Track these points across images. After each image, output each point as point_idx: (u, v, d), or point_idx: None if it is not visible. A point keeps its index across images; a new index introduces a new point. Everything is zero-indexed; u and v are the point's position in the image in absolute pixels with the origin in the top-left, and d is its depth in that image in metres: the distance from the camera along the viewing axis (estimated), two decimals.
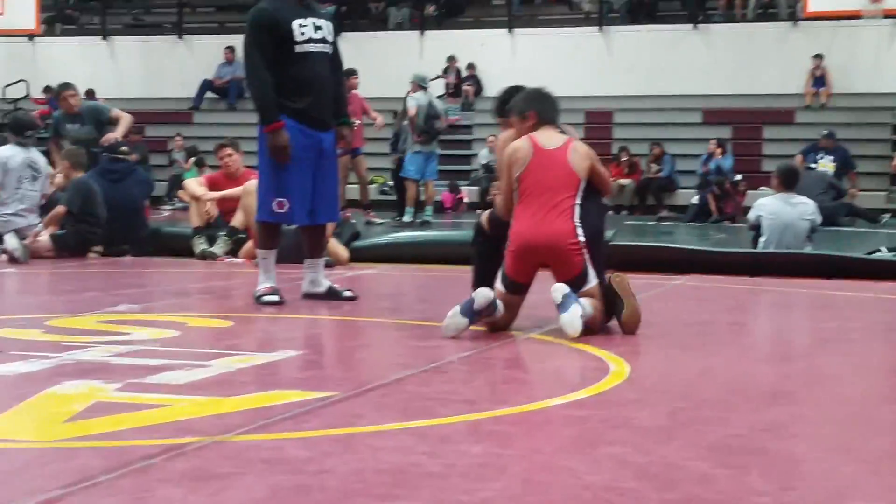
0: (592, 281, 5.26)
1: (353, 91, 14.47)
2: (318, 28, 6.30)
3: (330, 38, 6.38)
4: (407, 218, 14.67)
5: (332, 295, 6.48)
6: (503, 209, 5.45)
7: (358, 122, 14.46)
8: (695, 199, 17.87)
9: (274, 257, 6.42)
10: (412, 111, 14.44)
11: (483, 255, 5.68)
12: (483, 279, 5.48)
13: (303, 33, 6.22)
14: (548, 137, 5.36)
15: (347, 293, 6.50)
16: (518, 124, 5.45)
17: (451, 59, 22.36)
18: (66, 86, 10.50)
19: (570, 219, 5.21)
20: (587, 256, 5.23)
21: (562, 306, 5.01)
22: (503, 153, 5.42)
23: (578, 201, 5.27)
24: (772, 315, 6.84)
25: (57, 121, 10.66)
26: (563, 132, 5.49)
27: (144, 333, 5.02)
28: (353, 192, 15.42)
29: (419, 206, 15.02)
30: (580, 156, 5.34)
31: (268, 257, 6.40)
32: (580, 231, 5.22)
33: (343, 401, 3.57)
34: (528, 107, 5.44)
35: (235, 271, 8.58)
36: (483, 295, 5.04)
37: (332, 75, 6.41)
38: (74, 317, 5.58)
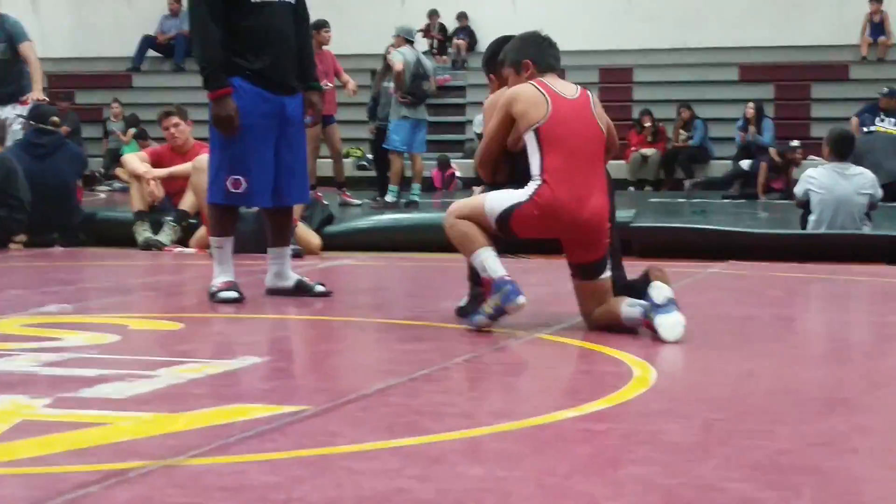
0: (608, 272, 5.27)
1: (324, 48, 14.47)
2: None
3: None
4: (390, 198, 14.64)
5: (301, 290, 6.48)
6: (485, 168, 5.41)
7: (329, 85, 14.43)
8: (745, 165, 17.76)
9: (230, 246, 6.39)
10: (398, 66, 14.38)
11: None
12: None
13: None
14: (563, 85, 5.31)
15: (320, 288, 6.50)
16: (513, 78, 5.39)
17: (433, 13, 22.29)
18: None
19: (606, 191, 5.23)
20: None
21: (663, 308, 5.00)
22: (495, 103, 5.36)
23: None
24: (825, 308, 6.85)
25: None
26: None
27: (78, 338, 5.01)
28: (325, 167, 15.40)
29: (405, 184, 15.00)
30: (601, 109, 5.34)
31: (223, 246, 6.37)
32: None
33: (316, 416, 3.57)
34: (523, 54, 5.39)
35: (185, 263, 8.58)
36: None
37: (297, 29, 6.38)
38: None
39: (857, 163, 10.20)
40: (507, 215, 5.12)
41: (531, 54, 5.37)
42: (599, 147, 5.27)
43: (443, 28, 22.53)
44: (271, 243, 6.55)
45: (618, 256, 5.46)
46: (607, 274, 5.26)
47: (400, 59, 14.44)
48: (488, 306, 5.12)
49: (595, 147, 5.25)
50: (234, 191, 6.22)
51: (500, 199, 5.17)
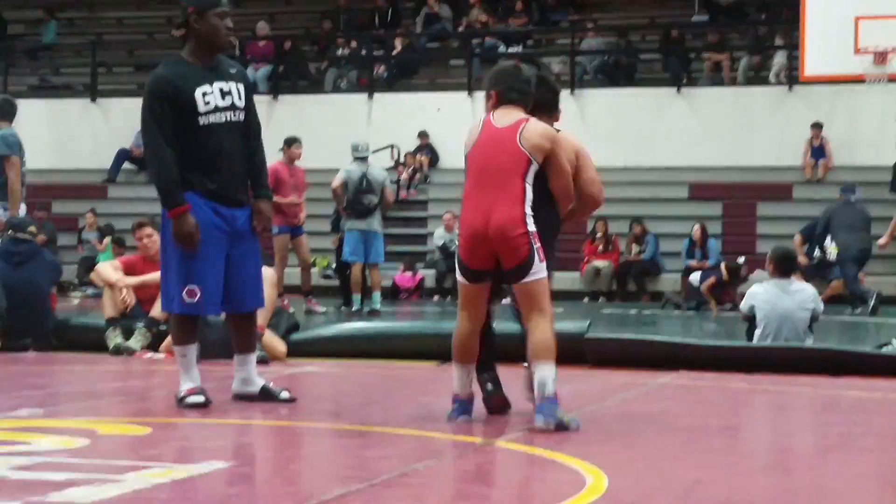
0: (539, 273, 5.52)
1: (296, 163, 14.63)
2: (225, 94, 6.26)
3: (240, 103, 6.33)
4: (356, 306, 14.66)
5: (266, 396, 6.43)
6: None
7: (299, 200, 14.58)
8: (694, 280, 17.84)
9: (194, 353, 6.37)
10: (334, 183, 14.62)
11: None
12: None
13: (207, 102, 6.21)
14: (503, 115, 5.69)
15: (284, 394, 6.46)
16: (487, 106, 5.85)
17: (392, 147, 22.39)
18: None
19: (520, 204, 5.53)
20: (537, 246, 5.51)
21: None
22: None
23: (529, 184, 5.56)
24: (770, 418, 6.85)
25: None
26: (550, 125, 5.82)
27: (48, 442, 4.96)
28: (293, 276, 15.40)
29: (366, 293, 15.00)
30: (534, 135, 5.61)
31: (186, 354, 6.34)
32: (530, 219, 5.52)
33: None
34: (492, 84, 5.81)
35: (155, 369, 8.52)
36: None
37: (245, 145, 6.37)
38: None
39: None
40: (458, 257, 5.68)
41: (499, 86, 5.78)
42: (517, 168, 5.55)
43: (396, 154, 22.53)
44: (236, 350, 6.52)
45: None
46: (533, 278, 5.51)
47: (342, 177, 14.68)
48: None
49: (510, 168, 5.55)
50: (189, 300, 6.20)
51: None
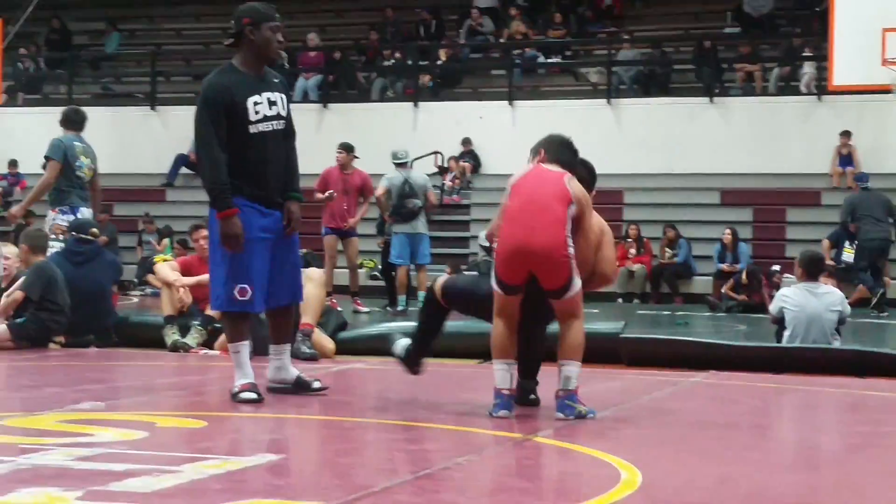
0: (576, 288, 5.70)
1: (354, 167, 14.77)
2: (272, 104, 6.34)
3: (284, 112, 6.43)
4: (401, 307, 14.68)
5: (300, 386, 6.50)
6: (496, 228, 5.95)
7: (361, 200, 14.65)
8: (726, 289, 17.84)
9: (247, 350, 6.39)
10: (379, 191, 14.65)
11: (428, 326, 6.36)
12: (421, 351, 6.31)
13: (257, 112, 6.28)
14: (551, 166, 5.92)
15: (316, 384, 6.53)
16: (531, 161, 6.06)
17: (436, 154, 22.34)
18: None
19: (563, 228, 5.68)
20: (574, 267, 5.67)
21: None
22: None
23: (570, 216, 5.72)
24: (798, 417, 6.82)
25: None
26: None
27: (108, 434, 4.99)
28: (341, 277, 15.44)
29: (411, 294, 15.02)
30: (578, 187, 5.84)
31: (240, 350, 6.37)
32: (570, 241, 5.68)
33: None
34: (540, 146, 6.10)
35: (210, 365, 8.56)
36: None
37: (285, 150, 6.47)
38: (32, 415, 5.55)
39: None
40: (494, 272, 5.76)
41: (545, 146, 6.06)
42: (562, 201, 5.73)
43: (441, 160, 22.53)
44: (272, 341, 6.59)
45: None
46: (571, 294, 5.69)
47: (384, 184, 14.71)
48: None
49: (556, 199, 5.72)
50: (241, 298, 6.25)
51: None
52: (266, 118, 6.30)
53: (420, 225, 14.86)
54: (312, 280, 9.01)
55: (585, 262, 5.85)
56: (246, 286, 6.23)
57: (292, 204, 6.46)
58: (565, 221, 5.69)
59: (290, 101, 6.54)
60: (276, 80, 6.47)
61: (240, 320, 6.39)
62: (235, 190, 6.22)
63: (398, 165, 14.97)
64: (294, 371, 6.56)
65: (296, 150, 6.59)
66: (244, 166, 6.25)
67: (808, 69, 21.84)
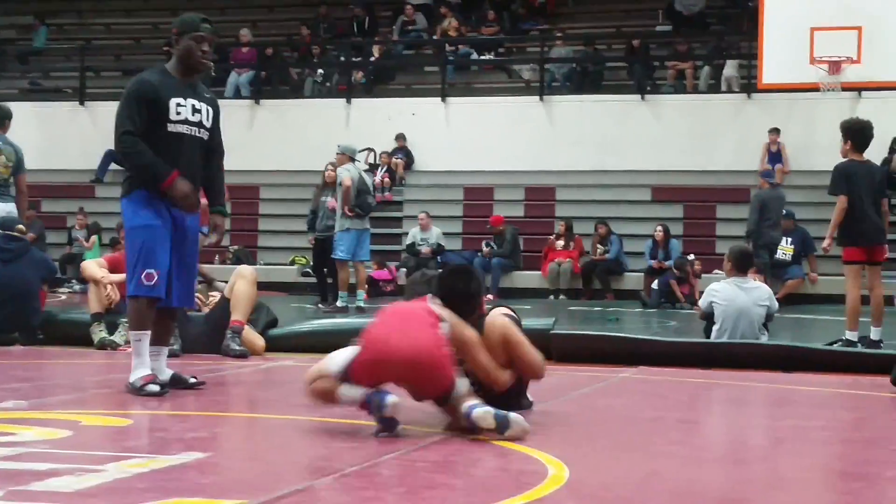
0: (462, 388, 5.13)
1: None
2: (196, 111, 6.53)
3: (208, 124, 6.60)
4: (340, 303, 14.61)
5: (177, 383, 6.58)
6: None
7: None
8: (655, 285, 18.01)
9: (148, 340, 6.47)
10: (348, 182, 14.46)
11: None
12: None
13: (179, 112, 6.45)
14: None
15: (193, 380, 6.61)
16: None
17: (370, 150, 22.24)
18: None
19: (437, 331, 5.14)
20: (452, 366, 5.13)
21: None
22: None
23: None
24: (725, 412, 6.87)
25: None
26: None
27: (31, 434, 4.92)
28: (274, 273, 15.34)
29: (350, 290, 14.97)
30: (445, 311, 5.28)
31: (141, 339, 6.46)
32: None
33: None
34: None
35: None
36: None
37: (205, 162, 6.62)
38: None
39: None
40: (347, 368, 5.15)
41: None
42: (423, 311, 5.22)
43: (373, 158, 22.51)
44: (152, 340, 6.55)
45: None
46: (461, 390, 5.11)
47: (348, 175, 14.53)
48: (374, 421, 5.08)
49: (416, 310, 5.24)
50: (146, 283, 6.35)
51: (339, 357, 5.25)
52: (187, 122, 6.48)
53: (367, 221, 14.86)
54: (244, 277, 8.97)
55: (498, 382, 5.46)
56: (152, 271, 6.35)
57: (217, 217, 6.74)
58: (437, 327, 5.15)
59: (217, 117, 6.72)
60: (206, 95, 6.70)
61: (145, 307, 6.44)
62: (143, 183, 6.38)
63: (351, 160, 14.89)
64: (168, 371, 6.63)
65: (222, 167, 6.83)
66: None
67: (729, 68, 22.08)
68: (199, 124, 6.55)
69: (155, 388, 6.28)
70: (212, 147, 6.68)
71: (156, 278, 6.35)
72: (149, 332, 6.45)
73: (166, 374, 6.60)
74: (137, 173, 6.44)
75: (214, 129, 6.68)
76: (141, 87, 6.45)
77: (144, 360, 6.40)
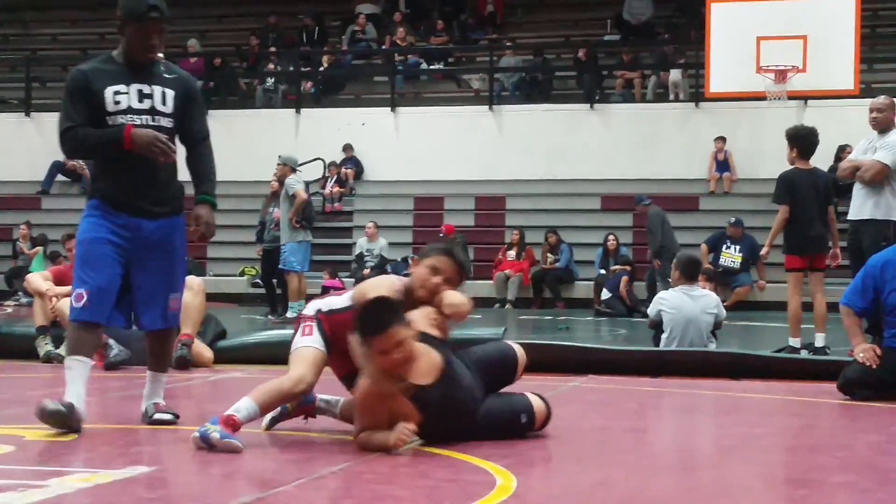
0: None
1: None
2: (144, 96, 5.69)
3: (165, 108, 5.73)
4: (291, 314, 14.56)
5: (152, 422, 5.85)
6: None
7: None
8: (605, 295, 18.08)
9: (82, 369, 5.63)
10: (303, 195, 14.46)
11: None
12: None
13: (117, 102, 5.64)
14: None
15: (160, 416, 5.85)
16: None
17: (320, 161, 22.16)
18: None
19: None
20: None
21: None
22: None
23: None
24: (674, 420, 6.89)
25: None
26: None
27: None
28: (220, 283, 15.27)
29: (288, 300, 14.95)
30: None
31: (72, 367, 5.65)
32: None
33: None
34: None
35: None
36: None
37: (190, 150, 5.90)
38: None
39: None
40: None
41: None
42: None
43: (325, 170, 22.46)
44: (148, 366, 5.97)
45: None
46: None
47: (301, 188, 14.56)
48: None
49: None
50: (76, 304, 5.62)
51: None
52: (131, 110, 5.65)
53: (310, 233, 14.88)
54: (191, 289, 8.88)
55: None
56: (81, 291, 5.59)
57: (199, 207, 5.82)
58: None
59: (189, 98, 5.86)
60: (167, 76, 5.82)
61: (77, 329, 5.66)
62: (94, 192, 5.76)
63: (293, 170, 14.85)
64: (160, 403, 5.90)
65: (208, 151, 5.95)
66: (102, 163, 5.77)
67: (673, 76, 22.25)
68: (152, 111, 5.68)
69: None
70: (186, 132, 5.85)
71: (84, 299, 5.57)
72: (83, 359, 5.64)
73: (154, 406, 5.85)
74: (95, 155, 5.77)
75: (184, 112, 5.80)
76: (73, 79, 5.70)
77: (71, 391, 5.57)
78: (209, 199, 5.88)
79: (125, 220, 5.69)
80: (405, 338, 4.96)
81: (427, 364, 5.09)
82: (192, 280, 9.16)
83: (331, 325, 5.41)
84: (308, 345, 5.39)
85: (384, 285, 5.42)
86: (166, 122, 5.74)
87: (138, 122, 5.65)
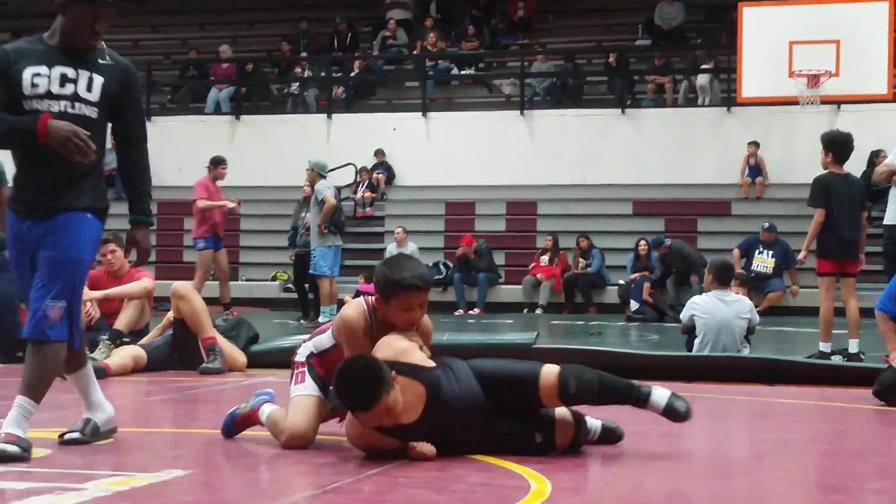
0: None
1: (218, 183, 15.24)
2: (67, 80, 5.05)
3: (89, 96, 5.08)
4: (323, 318, 14.61)
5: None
6: None
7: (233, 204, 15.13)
8: (634, 306, 18.05)
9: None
10: (333, 200, 14.52)
11: None
12: None
13: (35, 84, 5.02)
14: None
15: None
16: None
17: (352, 166, 22.21)
18: None
19: None
20: None
21: None
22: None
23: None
24: (708, 425, 6.87)
25: None
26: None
27: None
28: (214, 289, 15.31)
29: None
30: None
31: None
32: None
33: None
34: None
35: (118, 379, 8.44)
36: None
37: (122, 155, 5.30)
38: None
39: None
40: None
41: None
42: None
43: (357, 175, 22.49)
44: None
45: None
46: None
47: (332, 194, 14.61)
48: None
49: None
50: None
51: None
52: (50, 95, 5.02)
53: (340, 238, 14.95)
54: (182, 297, 8.81)
55: None
56: (24, 306, 5.18)
57: (137, 230, 5.28)
58: None
59: (127, 89, 5.21)
60: (101, 61, 5.16)
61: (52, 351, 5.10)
62: (13, 199, 5.18)
63: (321, 176, 14.92)
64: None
65: (142, 157, 5.30)
66: (17, 154, 5.13)
67: (701, 81, 22.19)
68: (73, 97, 5.03)
69: (11, 448, 4.80)
70: (119, 129, 5.25)
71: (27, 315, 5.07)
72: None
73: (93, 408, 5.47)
74: (8, 146, 5.09)
75: (116, 105, 5.16)
76: None
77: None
78: (146, 220, 5.35)
79: (25, 224, 5.12)
80: (392, 405, 4.84)
81: (411, 397, 4.93)
82: (178, 288, 9.01)
83: (323, 365, 5.47)
84: (301, 393, 5.45)
85: (356, 313, 5.30)
86: (90, 112, 5.09)
87: (56, 109, 5.02)
